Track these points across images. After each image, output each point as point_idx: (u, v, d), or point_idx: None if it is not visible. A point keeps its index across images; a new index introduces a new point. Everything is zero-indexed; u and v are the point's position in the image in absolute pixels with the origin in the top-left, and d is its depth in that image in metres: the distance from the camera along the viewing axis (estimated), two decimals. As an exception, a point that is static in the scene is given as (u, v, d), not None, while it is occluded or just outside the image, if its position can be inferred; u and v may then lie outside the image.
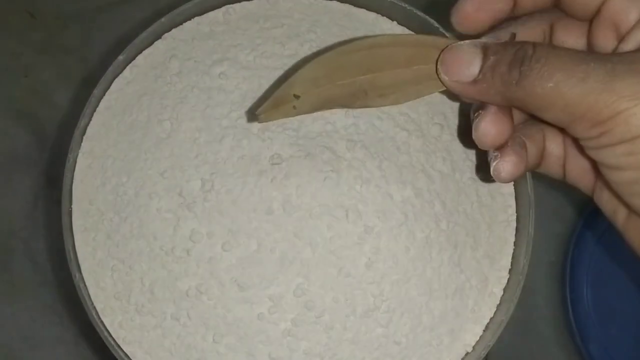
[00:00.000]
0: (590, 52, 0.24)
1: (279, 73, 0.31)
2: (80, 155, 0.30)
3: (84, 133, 0.30)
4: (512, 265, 0.31)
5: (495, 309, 0.30)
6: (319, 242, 0.29)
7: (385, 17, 0.32)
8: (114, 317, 0.29)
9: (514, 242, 0.31)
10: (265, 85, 0.30)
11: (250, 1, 0.32)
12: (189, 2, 0.31)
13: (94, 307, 0.29)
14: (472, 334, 0.30)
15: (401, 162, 0.30)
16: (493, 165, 0.24)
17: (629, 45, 0.23)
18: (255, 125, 0.30)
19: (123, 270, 0.29)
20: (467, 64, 0.22)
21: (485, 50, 0.22)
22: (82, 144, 0.30)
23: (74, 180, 0.29)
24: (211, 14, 0.32)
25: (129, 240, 0.29)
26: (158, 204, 0.29)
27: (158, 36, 0.31)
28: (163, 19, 0.31)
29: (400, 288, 0.29)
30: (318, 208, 0.29)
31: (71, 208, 0.29)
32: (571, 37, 0.25)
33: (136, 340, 0.29)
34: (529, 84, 0.21)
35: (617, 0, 0.23)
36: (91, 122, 0.30)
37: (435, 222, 0.30)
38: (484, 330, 0.30)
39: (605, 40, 0.24)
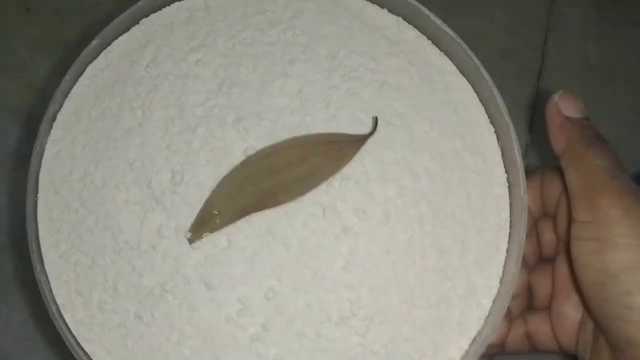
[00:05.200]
0: None
1: (258, 60, 0.29)
2: (49, 142, 0.29)
3: (53, 119, 0.29)
4: (502, 274, 0.28)
5: (483, 321, 0.28)
6: (293, 241, 0.27)
7: (375, 5, 0.31)
8: (75, 313, 0.27)
9: (506, 249, 0.29)
10: (244, 72, 0.29)
11: (233, -13, 0.31)
12: (169, -14, 0.30)
13: (55, 302, 0.27)
14: (457, 347, 0.28)
15: (385, 158, 0.28)
16: None
17: None
18: (230, 115, 0.28)
19: (86, 264, 0.27)
20: (578, 109, 0.28)
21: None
22: (52, 131, 0.29)
23: (41, 169, 0.28)
24: (191, 0, 0.30)
25: (93, 232, 0.27)
26: (125, 196, 0.27)
27: (135, 21, 0.30)
28: (140, 3, 0.29)
29: (379, 294, 0.27)
30: (293, 204, 0.27)
31: (37, 197, 0.28)
32: None
33: (97, 339, 0.27)
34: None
35: None
36: (61, 109, 0.29)
37: (419, 224, 0.28)
38: (470, 344, 0.28)
39: None
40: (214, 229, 0.27)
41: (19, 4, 0.45)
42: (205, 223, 0.27)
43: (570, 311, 0.29)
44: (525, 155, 0.43)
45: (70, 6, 0.45)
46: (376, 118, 0.28)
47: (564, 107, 0.27)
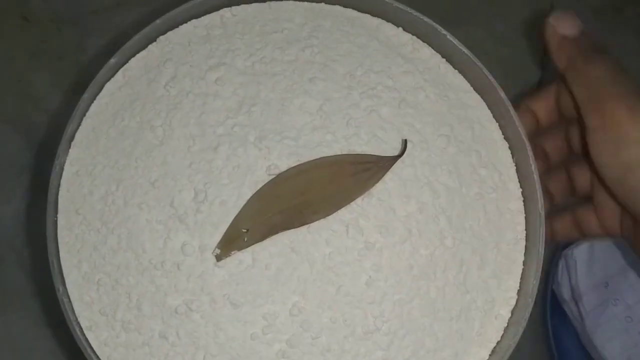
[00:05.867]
0: None
1: (278, 79, 0.29)
2: (67, 162, 0.28)
3: (72, 139, 0.29)
4: (520, 286, 0.29)
5: (502, 332, 0.29)
6: (316, 258, 0.27)
7: (390, 24, 0.31)
8: (99, 334, 0.27)
9: (523, 262, 0.29)
10: (264, 91, 0.29)
11: (250, 4, 0.31)
12: (185, 3, 0.30)
13: (78, 323, 0.27)
14: (477, 358, 0.28)
15: (405, 175, 0.28)
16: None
17: None
18: (252, 133, 0.28)
19: (109, 284, 0.27)
20: (573, 25, 0.29)
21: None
22: (70, 150, 0.28)
23: (60, 189, 0.28)
24: (208, 17, 0.30)
25: (116, 252, 0.27)
26: (148, 215, 0.27)
27: (152, 39, 0.30)
28: (158, 21, 0.29)
29: (402, 308, 0.28)
30: (317, 222, 0.27)
31: (57, 217, 0.28)
32: None
33: (122, 359, 0.27)
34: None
35: None
36: (80, 128, 0.29)
37: (440, 239, 0.28)
38: (490, 355, 0.28)
39: None
40: (242, 246, 0.27)
41: (17, 14, 0.44)
42: (233, 241, 0.27)
43: (610, 201, 0.30)
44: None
45: (68, 16, 0.44)
46: (405, 141, 0.28)
47: (560, 26, 0.29)
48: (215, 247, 0.27)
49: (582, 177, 0.32)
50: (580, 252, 0.41)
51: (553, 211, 0.32)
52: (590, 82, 0.28)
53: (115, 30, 0.43)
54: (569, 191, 0.33)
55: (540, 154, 0.32)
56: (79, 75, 0.43)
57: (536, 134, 0.32)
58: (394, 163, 0.28)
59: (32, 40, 0.44)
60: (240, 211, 0.27)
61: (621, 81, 0.27)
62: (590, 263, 0.40)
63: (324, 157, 0.28)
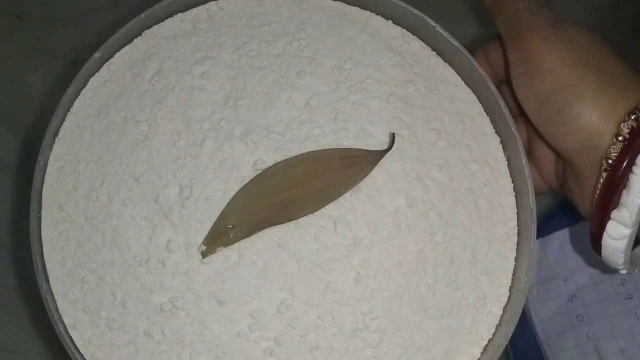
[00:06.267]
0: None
1: (265, 73, 0.29)
2: (51, 158, 0.28)
3: (56, 134, 0.28)
4: (512, 282, 0.29)
5: (494, 330, 0.28)
6: (304, 255, 0.27)
7: (379, 16, 0.31)
8: (83, 332, 0.27)
9: (515, 258, 0.29)
10: (251, 85, 0.29)
11: (237, -3, 0.30)
12: (172, -3, 0.29)
13: (62, 321, 0.27)
14: (468, 356, 0.28)
15: (394, 169, 0.28)
16: None
17: None
18: (238, 128, 0.28)
19: (94, 282, 0.27)
20: None
21: None
22: (54, 146, 0.28)
23: (44, 185, 0.28)
24: (195, 11, 0.30)
25: (100, 249, 0.27)
26: (133, 211, 0.27)
27: (138, 33, 0.30)
28: (143, 15, 0.29)
29: (391, 305, 0.27)
30: (304, 218, 0.27)
31: (40, 214, 0.27)
32: None
33: (106, 358, 0.27)
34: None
35: None
36: (64, 123, 0.28)
37: (430, 235, 0.28)
38: (481, 353, 0.28)
39: None
40: (228, 243, 0.26)
41: (11, 12, 0.44)
42: (219, 237, 0.26)
43: (546, 152, 0.31)
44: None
45: (63, 14, 0.44)
46: (393, 135, 0.28)
47: None
48: (201, 244, 0.27)
49: (520, 133, 0.31)
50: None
51: None
52: (510, 14, 0.28)
53: (111, 29, 0.43)
54: None
55: None
56: (74, 74, 0.43)
57: None
58: (382, 157, 0.28)
59: (26, 39, 0.44)
60: (226, 207, 0.27)
61: (538, 12, 0.27)
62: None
63: (311, 152, 0.27)
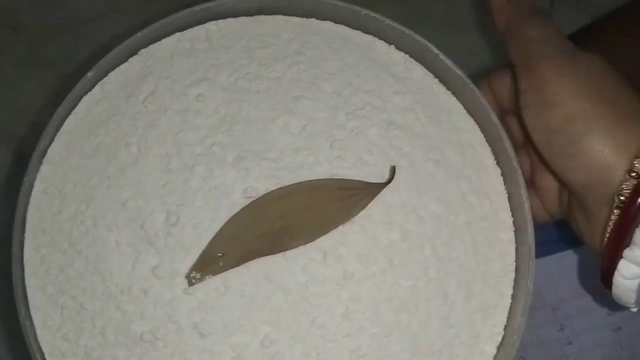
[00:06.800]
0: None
1: (261, 97, 0.28)
2: (38, 179, 0.27)
3: (43, 155, 0.28)
4: (507, 321, 0.27)
5: (487, 370, 0.27)
6: (292, 287, 0.26)
7: (382, 41, 0.30)
8: (62, 360, 0.26)
9: (511, 296, 0.28)
10: (246, 109, 0.28)
11: (237, 18, 0.30)
12: (168, 16, 0.29)
13: (40, 349, 0.26)
14: (460, 397, 0.27)
15: (389, 200, 0.27)
16: None
17: None
18: (231, 153, 0.27)
19: (74, 309, 0.26)
20: None
21: None
22: (41, 167, 0.27)
23: (29, 207, 0.27)
24: (193, 30, 0.29)
25: (83, 275, 0.26)
26: (117, 237, 0.26)
27: (134, 52, 0.29)
28: (139, 34, 0.28)
29: (380, 342, 0.26)
30: (293, 249, 0.26)
31: (24, 237, 0.27)
32: None
33: (84, 387, 0.26)
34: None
35: None
36: (53, 144, 0.28)
37: (423, 270, 0.27)
38: (474, 394, 0.27)
39: None
40: (216, 272, 0.25)
41: (5, 22, 0.44)
42: (208, 265, 0.25)
43: (550, 182, 0.30)
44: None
45: (57, 24, 0.44)
46: (394, 167, 0.27)
47: None
48: (188, 272, 0.26)
49: (523, 164, 0.31)
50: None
51: None
52: (523, 42, 0.27)
53: (106, 39, 0.42)
54: None
55: None
56: (68, 86, 0.43)
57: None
58: (381, 190, 0.27)
59: (20, 50, 0.43)
60: (216, 234, 0.26)
61: (552, 41, 0.27)
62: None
63: (307, 181, 0.26)
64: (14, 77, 0.42)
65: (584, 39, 0.37)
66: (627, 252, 0.25)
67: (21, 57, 0.43)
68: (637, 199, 0.25)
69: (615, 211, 0.25)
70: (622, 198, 0.25)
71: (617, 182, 0.25)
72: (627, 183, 0.25)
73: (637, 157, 0.25)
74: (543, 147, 0.27)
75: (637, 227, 0.25)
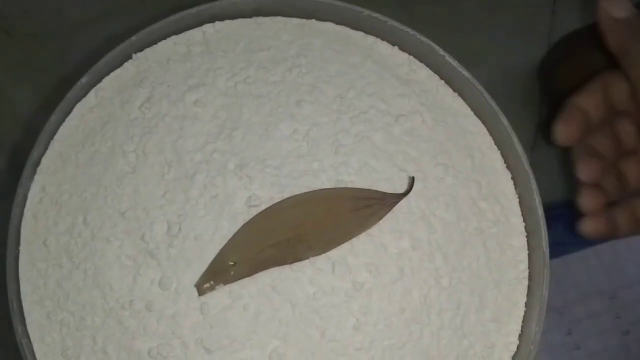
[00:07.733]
0: None
1: (262, 101, 0.27)
2: (31, 189, 0.26)
3: (37, 164, 0.26)
4: (522, 330, 0.27)
5: (502, 381, 0.26)
6: (300, 299, 0.25)
7: (385, 42, 0.29)
8: (61, 379, 0.25)
9: (525, 304, 0.27)
10: (247, 115, 0.27)
11: (234, 20, 0.29)
12: (164, 19, 0.27)
13: (37, 368, 0.25)
14: (474, 409, 0.26)
15: (398, 207, 0.26)
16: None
17: None
18: (232, 161, 0.26)
19: (73, 325, 0.25)
20: (623, 7, 0.30)
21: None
22: (35, 177, 0.26)
23: (23, 219, 0.26)
24: (190, 33, 0.28)
25: (81, 289, 0.25)
26: (117, 249, 0.25)
27: (128, 56, 0.28)
28: (134, 37, 0.27)
29: (392, 355, 0.25)
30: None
31: (18, 250, 0.26)
32: None
33: (84, 407, 0.25)
34: None
35: None
36: (46, 152, 0.27)
37: (435, 279, 0.26)
38: (488, 406, 0.26)
39: None
40: (227, 281, 0.25)
41: (-2, 28, 0.42)
42: (219, 274, 0.25)
43: None
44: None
45: (51, 30, 0.43)
46: (412, 178, 0.26)
47: (611, 9, 0.29)
48: (199, 280, 0.25)
49: (635, 171, 0.31)
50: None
51: (611, 207, 0.31)
52: (638, 60, 0.28)
53: (100, 43, 0.41)
54: (621, 187, 0.31)
55: (595, 154, 0.31)
56: (62, 91, 0.41)
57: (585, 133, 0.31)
58: (398, 202, 0.26)
59: (13, 54, 0.42)
60: (228, 242, 0.25)
61: None
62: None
63: (322, 190, 0.26)
64: (7, 82, 0.41)
65: (588, 37, 0.37)
66: None
67: (14, 62, 0.42)
68: None
69: None
70: None
71: None
72: None
73: None
74: None
75: None
